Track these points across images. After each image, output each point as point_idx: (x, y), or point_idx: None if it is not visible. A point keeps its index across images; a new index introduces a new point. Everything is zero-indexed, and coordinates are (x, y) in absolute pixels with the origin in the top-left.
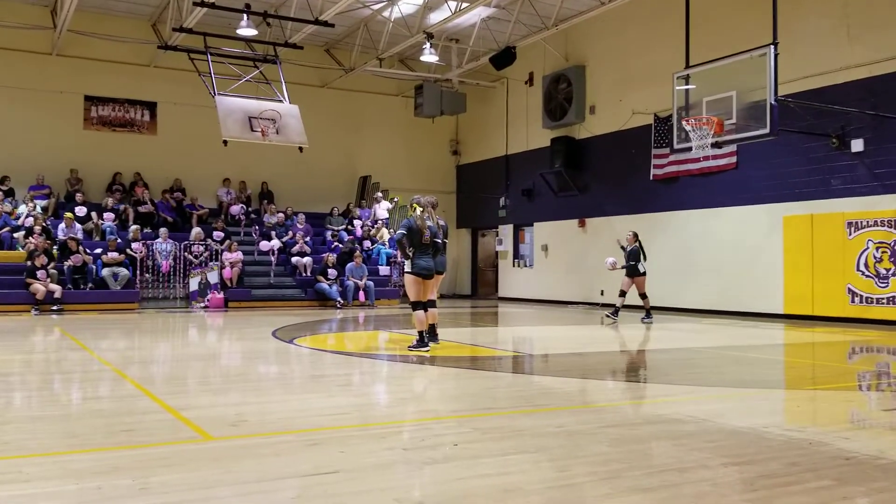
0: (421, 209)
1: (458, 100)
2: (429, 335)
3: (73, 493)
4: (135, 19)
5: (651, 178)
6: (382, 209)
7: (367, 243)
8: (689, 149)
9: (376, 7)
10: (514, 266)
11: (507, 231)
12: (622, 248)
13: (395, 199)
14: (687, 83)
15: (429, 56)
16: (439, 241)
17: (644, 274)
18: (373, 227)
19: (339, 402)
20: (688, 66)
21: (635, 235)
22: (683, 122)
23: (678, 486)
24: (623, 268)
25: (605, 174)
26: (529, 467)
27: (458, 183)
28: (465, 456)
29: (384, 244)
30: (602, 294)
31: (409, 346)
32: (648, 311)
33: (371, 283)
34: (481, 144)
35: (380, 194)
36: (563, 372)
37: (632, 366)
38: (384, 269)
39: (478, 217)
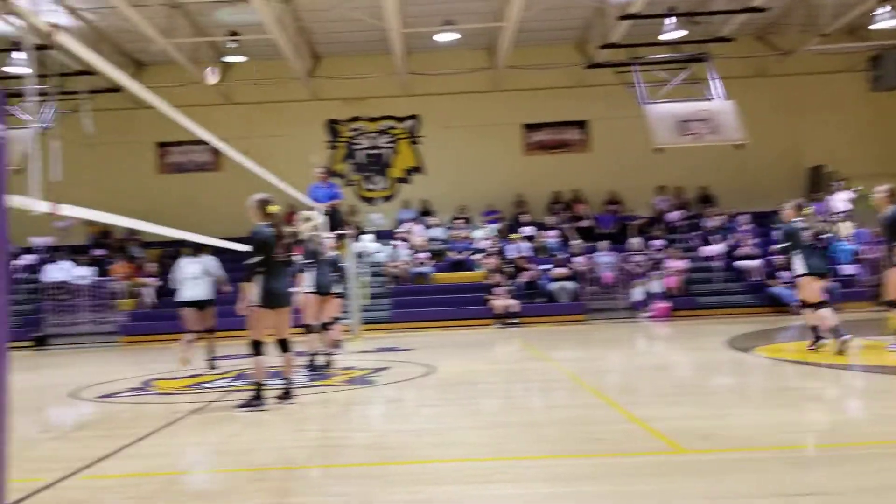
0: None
1: None
2: None
3: (564, 495)
4: (561, 44)
5: None
6: (841, 201)
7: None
8: None
9: None
10: None
11: None
12: None
13: (859, 189)
14: None
15: (886, 20)
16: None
17: None
18: (830, 221)
19: (812, 417)
20: None
21: None
22: None
23: None
24: None
25: None
26: None
27: None
28: None
29: (845, 240)
30: None
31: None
32: None
33: (835, 285)
34: None
35: (838, 184)
36: None
37: None
38: (849, 268)
39: None
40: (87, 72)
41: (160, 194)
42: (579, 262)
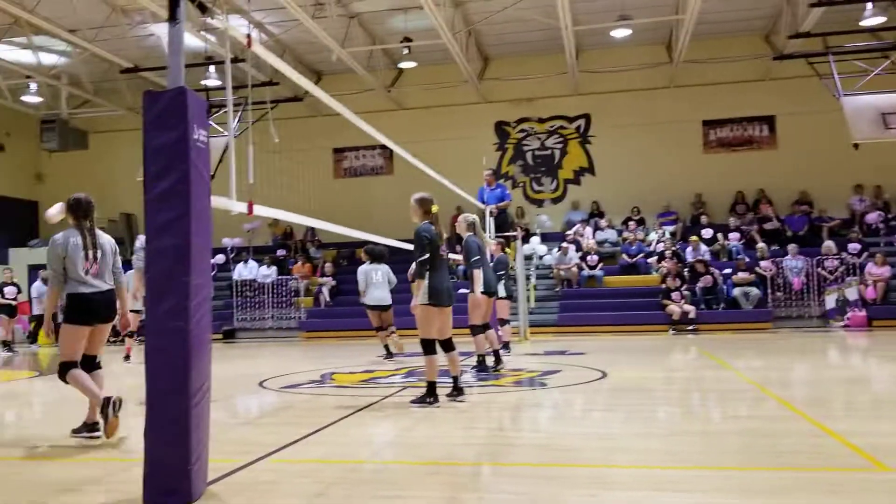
0: None
1: None
2: None
3: None
4: (747, 36)
5: None
6: None
7: None
8: None
9: None
10: None
11: None
12: None
13: None
14: None
15: None
16: None
17: None
18: None
19: None
20: None
21: None
22: None
23: None
24: None
25: None
26: None
27: None
28: None
29: None
30: None
31: None
32: None
33: None
34: None
35: None
36: None
37: None
38: None
39: None
40: (271, 82)
41: (336, 197)
42: (765, 266)
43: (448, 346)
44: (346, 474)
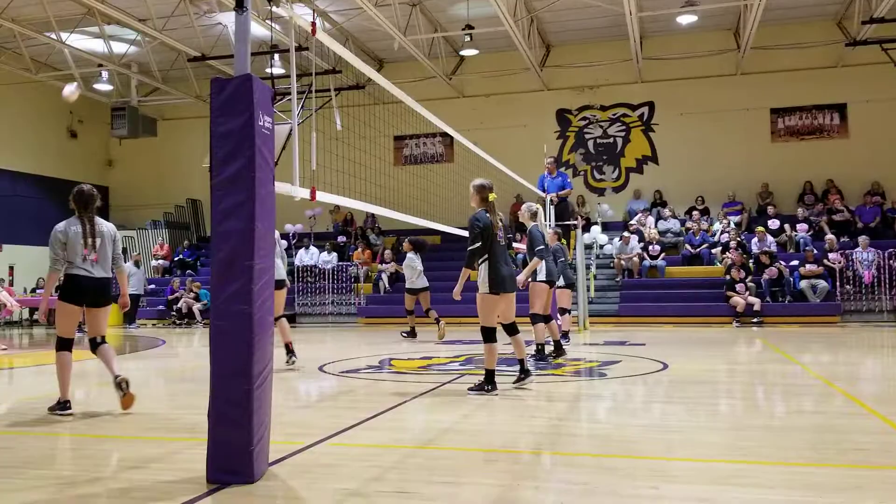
0: None
1: None
2: None
3: None
4: (818, 21)
5: None
6: None
7: None
8: None
9: None
10: None
11: None
12: None
13: None
14: None
15: None
16: None
17: None
18: None
19: None
20: None
21: None
22: None
23: None
24: None
25: None
26: None
27: None
28: None
29: None
30: None
31: None
32: None
33: None
34: None
35: None
36: None
37: None
38: None
39: None
40: (334, 70)
41: (397, 184)
42: (834, 258)
43: (512, 329)
44: (404, 459)
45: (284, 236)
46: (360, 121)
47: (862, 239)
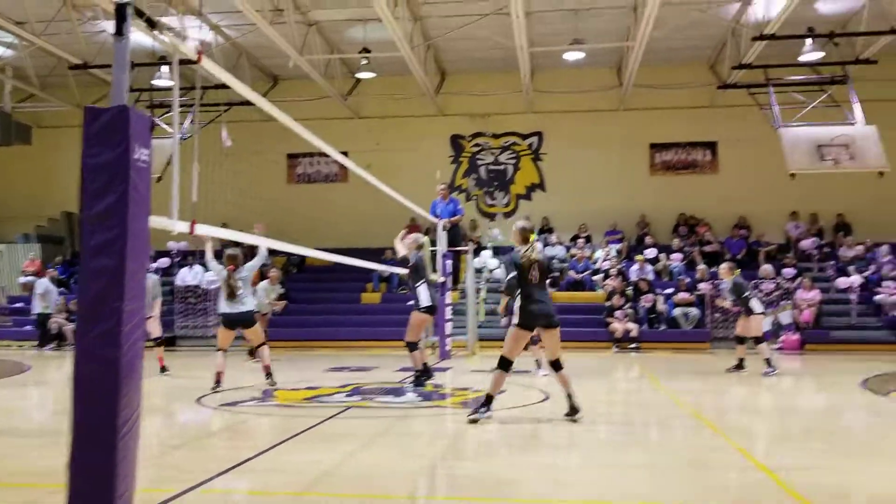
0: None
1: None
2: None
3: None
4: (693, 64)
5: None
6: None
7: None
8: None
9: None
10: None
11: None
12: None
13: None
14: None
15: None
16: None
17: None
18: None
19: None
20: None
21: None
22: None
23: None
24: None
25: None
26: None
27: None
28: None
29: None
30: None
31: None
32: None
33: None
34: None
35: None
36: None
37: None
38: None
39: None
40: (224, 85)
41: (290, 203)
42: (704, 287)
43: (556, 365)
44: None
45: (166, 254)
46: (253, 137)
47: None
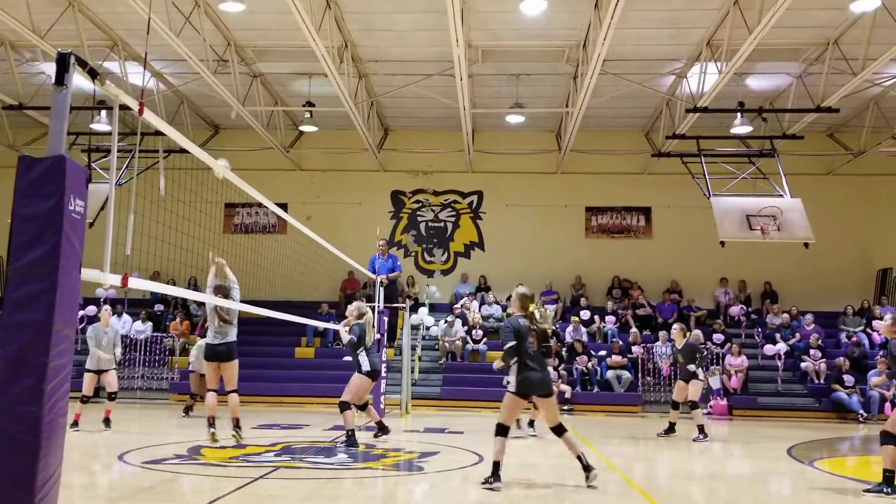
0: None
1: None
2: None
3: None
4: (630, 132)
5: None
6: None
7: None
8: None
9: (890, 83)
10: None
11: None
12: None
13: None
14: None
15: None
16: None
17: None
18: None
19: None
20: None
21: None
22: None
23: None
24: None
25: None
26: None
27: None
28: None
29: None
30: None
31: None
32: None
33: None
34: None
35: None
36: None
37: None
38: None
39: None
40: (161, 133)
41: (225, 253)
42: (636, 351)
43: (559, 430)
44: None
45: (94, 301)
46: (191, 185)
47: (661, 333)
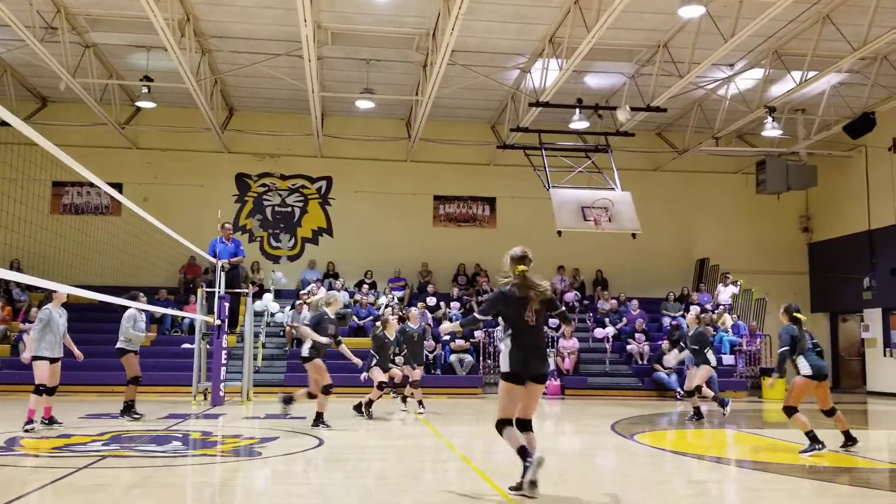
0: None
1: (807, 173)
2: None
3: None
4: (477, 123)
5: None
6: (725, 294)
7: (709, 329)
8: None
9: (711, 86)
10: (885, 355)
11: (874, 315)
12: None
13: (739, 283)
14: None
15: (771, 130)
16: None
17: None
18: (714, 312)
19: None
20: None
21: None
22: None
23: None
24: None
25: None
26: None
27: (810, 262)
28: None
29: (727, 331)
30: None
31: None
32: None
33: (714, 375)
34: (838, 219)
35: (726, 278)
36: None
37: None
38: (728, 359)
39: (838, 300)
40: None
41: (53, 235)
42: (478, 335)
43: (528, 426)
44: None
45: None
46: (12, 163)
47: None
